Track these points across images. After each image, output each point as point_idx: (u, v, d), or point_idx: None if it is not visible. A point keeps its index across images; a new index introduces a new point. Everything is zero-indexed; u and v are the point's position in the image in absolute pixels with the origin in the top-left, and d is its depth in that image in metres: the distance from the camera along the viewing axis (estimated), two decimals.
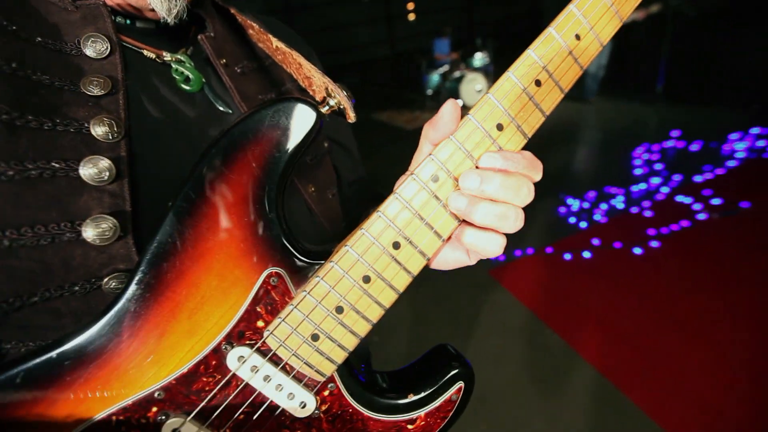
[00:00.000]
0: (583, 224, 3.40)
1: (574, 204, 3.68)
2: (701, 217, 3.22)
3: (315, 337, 0.45)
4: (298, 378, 0.47)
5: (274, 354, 0.45)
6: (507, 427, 1.95)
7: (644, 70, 6.27)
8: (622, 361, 2.17)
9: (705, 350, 2.15)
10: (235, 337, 0.44)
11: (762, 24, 4.90)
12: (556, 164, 4.52)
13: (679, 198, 3.50)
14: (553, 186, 3.99)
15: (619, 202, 3.61)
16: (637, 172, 4.07)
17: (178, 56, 0.54)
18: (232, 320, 0.44)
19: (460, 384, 0.53)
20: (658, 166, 4.09)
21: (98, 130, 0.43)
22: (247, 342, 0.44)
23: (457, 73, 6.87)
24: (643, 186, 3.79)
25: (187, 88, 0.54)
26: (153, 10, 0.49)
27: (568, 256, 3.03)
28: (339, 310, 0.44)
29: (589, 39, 0.42)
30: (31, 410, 0.39)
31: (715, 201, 3.37)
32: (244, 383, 0.45)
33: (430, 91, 7.59)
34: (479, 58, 7.13)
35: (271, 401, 0.47)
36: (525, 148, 0.44)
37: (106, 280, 0.43)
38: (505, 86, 0.41)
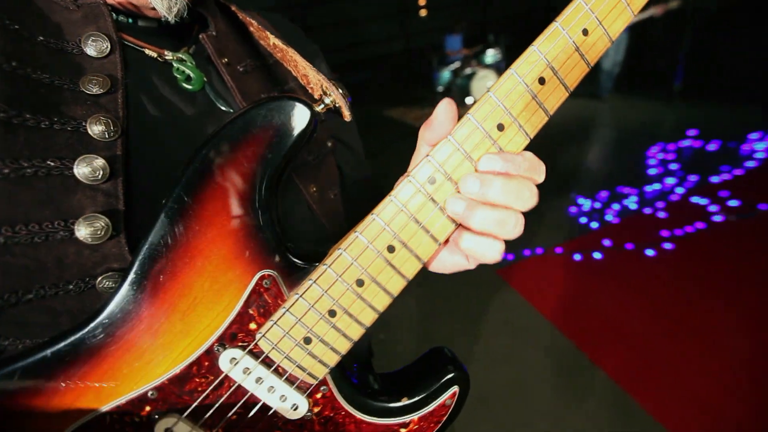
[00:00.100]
0: (595, 224, 3.33)
1: (586, 204, 3.61)
2: (717, 219, 3.12)
3: (307, 341, 0.44)
4: (291, 380, 0.46)
5: (267, 356, 0.45)
6: (512, 428, 1.93)
7: (661, 67, 6.11)
8: (632, 365, 2.12)
9: (719, 357, 2.09)
10: (228, 339, 0.44)
11: None
12: (567, 163, 4.44)
13: (695, 199, 3.41)
14: (564, 185, 3.92)
15: (632, 203, 3.52)
16: (652, 171, 3.96)
17: (180, 55, 0.54)
18: (224, 322, 0.43)
19: (455, 389, 0.52)
20: (674, 166, 3.97)
21: (95, 129, 0.43)
22: (240, 344, 0.44)
23: (468, 70, 6.79)
24: (657, 186, 3.69)
25: (188, 87, 0.54)
26: (154, 8, 0.49)
27: (578, 257, 2.98)
28: (332, 313, 0.44)
29: (598, 34, 0.40)
30: (25, 408, 0.39)
31: (733, 203, 3.27)
32: (236, 385, 0.45)
33: (440, 88, 7.52)
34: (491, 55, 7.03)
35: (263, 403, 0.46)
36: (530, 146, 0.42)
37: (100, 279, 0.43)
38: (507, 84, 0.39)
